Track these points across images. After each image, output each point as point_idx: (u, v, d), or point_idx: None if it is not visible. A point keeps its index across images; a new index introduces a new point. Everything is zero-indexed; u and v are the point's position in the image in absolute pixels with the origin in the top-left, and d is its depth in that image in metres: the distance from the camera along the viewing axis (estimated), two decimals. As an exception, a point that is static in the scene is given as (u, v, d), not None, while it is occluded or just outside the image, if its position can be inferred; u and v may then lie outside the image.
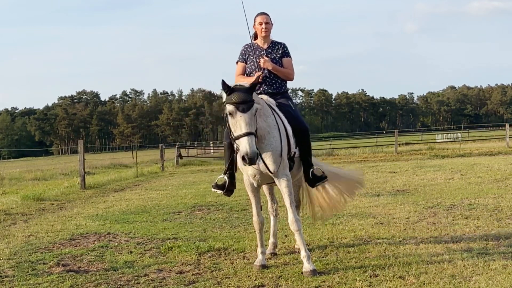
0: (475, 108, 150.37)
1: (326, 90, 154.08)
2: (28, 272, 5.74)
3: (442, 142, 38.84)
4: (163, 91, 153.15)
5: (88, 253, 6.56)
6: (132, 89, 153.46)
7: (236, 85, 5.06)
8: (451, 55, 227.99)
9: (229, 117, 4.96)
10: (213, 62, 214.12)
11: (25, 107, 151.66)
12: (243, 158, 4.83)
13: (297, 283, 4.93)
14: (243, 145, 4.81)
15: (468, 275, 4.87)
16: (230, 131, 5.03)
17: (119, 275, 5.50)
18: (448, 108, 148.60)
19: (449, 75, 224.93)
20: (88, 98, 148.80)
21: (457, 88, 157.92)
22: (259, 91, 5.79)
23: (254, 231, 5.87)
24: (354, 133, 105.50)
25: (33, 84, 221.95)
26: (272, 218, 6.22)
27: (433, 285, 4.64)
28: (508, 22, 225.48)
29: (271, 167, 5.21)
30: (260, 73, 5.74)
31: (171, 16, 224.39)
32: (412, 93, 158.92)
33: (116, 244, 7.09)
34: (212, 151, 44.22)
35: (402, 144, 35.43)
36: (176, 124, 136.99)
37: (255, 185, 5.50)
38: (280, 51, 5.94)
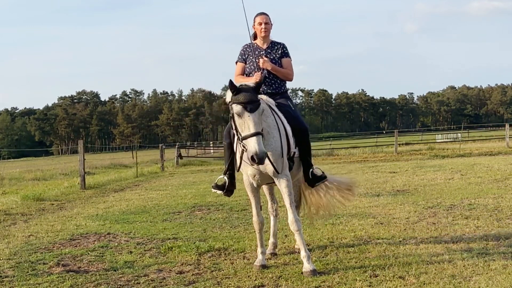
0: (475, 108, 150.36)
1: (326, 90, 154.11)
2: (28, 272, 5.74)
3: (442, 142, 38.86)
4: (163, 91, 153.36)
5: (88, 253, 6.56)
6: (132, 89, 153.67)
7: (242, 85, 5.04)
8: (451, 55, 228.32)
9: (236, 117, 4.92)
10: (213, 62, 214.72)
11: (25, 107, 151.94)
12: (252, 158, 4.78)
13: (297, 283, 4.93)
14: (252, 145, 4.77)
15: (468, 275, 4.87)
16: (237, 131, 4.99)
17: (119, 275, 5.50)
18: (448, 108, 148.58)
19: (449, 75, 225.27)
20: (88, 98, 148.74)
21: (457, 88, 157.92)
22: (258, 91, 5.78)
23: (254, 231, 5.87)
24: (354, 133, 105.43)
25: (33, 84, 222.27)
26: (272, 218, 6.22)
27: (433, 285, 4.64)
28: (508, 22, 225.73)
29: (271, 167, 5.20)
30: (260, 72, 5.71)
31: (171, 16, 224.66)
32: (412, 93, 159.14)
33: (116, 244, 7.09)
34: (212, 151, 44.16)
35: (402, 144, 35.43)
36: (176, 124, 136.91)
37: (255, 185, 5.50)
38: (280, 51, 5.94)
